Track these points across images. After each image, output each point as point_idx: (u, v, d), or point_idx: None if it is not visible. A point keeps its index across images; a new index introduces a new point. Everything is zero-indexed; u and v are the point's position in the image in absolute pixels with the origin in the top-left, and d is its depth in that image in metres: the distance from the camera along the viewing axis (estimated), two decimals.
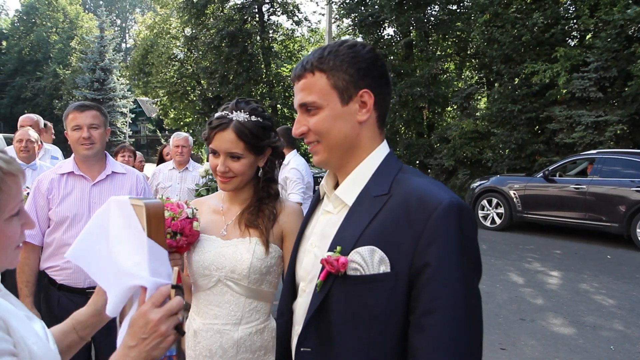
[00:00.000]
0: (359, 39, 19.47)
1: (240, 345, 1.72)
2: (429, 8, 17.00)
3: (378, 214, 1.10)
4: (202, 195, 4.58)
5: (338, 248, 1.11)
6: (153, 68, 25.19)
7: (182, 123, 26.00)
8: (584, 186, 9.11)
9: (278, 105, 22.50)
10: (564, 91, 12.63)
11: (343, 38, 1.29)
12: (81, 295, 2.52)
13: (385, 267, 1.05)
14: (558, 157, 11.88)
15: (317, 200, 1.37)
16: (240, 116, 1.70)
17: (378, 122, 1.22)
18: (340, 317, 1.11)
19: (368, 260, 1.06)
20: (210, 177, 4.57)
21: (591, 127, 11.79)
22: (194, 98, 24.48)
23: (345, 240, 1.12)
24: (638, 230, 8.45)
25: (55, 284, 2.60)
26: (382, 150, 1.23)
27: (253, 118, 1.71)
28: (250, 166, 1.73)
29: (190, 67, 24.65)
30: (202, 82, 24.06)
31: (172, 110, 26.32)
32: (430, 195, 1.06)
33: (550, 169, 10.02)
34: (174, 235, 1.67)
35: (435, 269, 1.00)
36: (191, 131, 25.36)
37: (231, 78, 22.05)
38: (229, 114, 1.71)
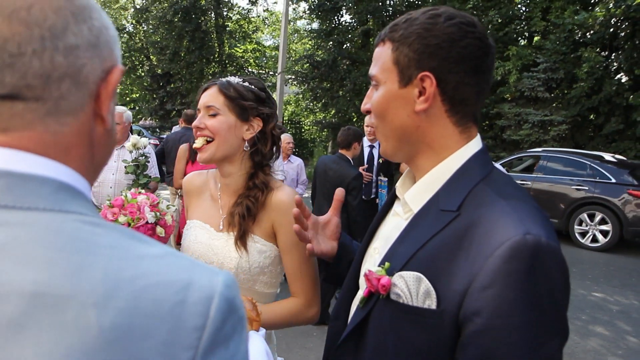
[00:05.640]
0: (315, 25, 19.23)
1: None
2: None
3: (438, 233, 0.87)
4: (132, 173, 4.23)
5: (386, 264, 0.92)
6: None
7: (128, 99, 24.85)
8: (529, 182, 9.34)
9: None
10: (514, 89, 12.99)
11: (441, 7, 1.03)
12: None
13: (430, 302, 0.84)
14: (505, 153, 12.18)
15: (392, 198, 1.14)
16: (232, 79, 1.53)
17: (452, 117, 0.95)
18: (378, 343, 0.93)
19: (412, 289, 0.87)
20: (139, 151, 4.20)
21: (537, 126, 12.20)
22: (142, 74, 23.39)
23: (397, 256, 0.93)
24: (576, 227, 8.75)
25: None
26: (466, 150, 0.96)
27: (246, 84, 1.52)
28: (228, 129, 1.46)
29: (139, 41, 23.51)
30: (151, 57, 23.02)
31: (119, 85, 25.06)
32: (501, 225, 0.80)
33: (497, 164, 10.17)
34: None
35: (487, 321, 0.77)
36: (137, 107, 24.31)
37: (183, 55, 21.26)
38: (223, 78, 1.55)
